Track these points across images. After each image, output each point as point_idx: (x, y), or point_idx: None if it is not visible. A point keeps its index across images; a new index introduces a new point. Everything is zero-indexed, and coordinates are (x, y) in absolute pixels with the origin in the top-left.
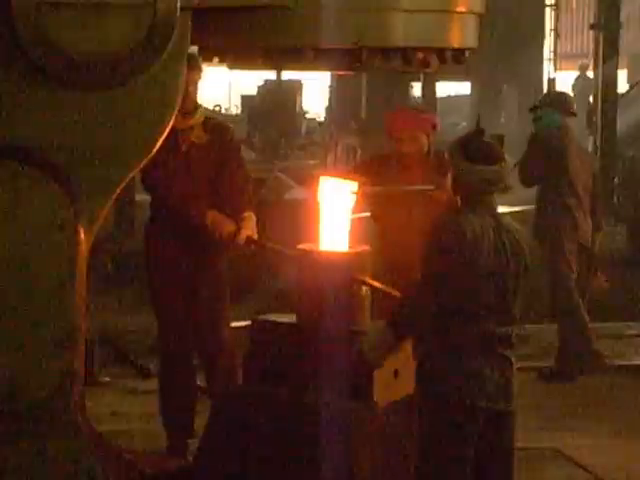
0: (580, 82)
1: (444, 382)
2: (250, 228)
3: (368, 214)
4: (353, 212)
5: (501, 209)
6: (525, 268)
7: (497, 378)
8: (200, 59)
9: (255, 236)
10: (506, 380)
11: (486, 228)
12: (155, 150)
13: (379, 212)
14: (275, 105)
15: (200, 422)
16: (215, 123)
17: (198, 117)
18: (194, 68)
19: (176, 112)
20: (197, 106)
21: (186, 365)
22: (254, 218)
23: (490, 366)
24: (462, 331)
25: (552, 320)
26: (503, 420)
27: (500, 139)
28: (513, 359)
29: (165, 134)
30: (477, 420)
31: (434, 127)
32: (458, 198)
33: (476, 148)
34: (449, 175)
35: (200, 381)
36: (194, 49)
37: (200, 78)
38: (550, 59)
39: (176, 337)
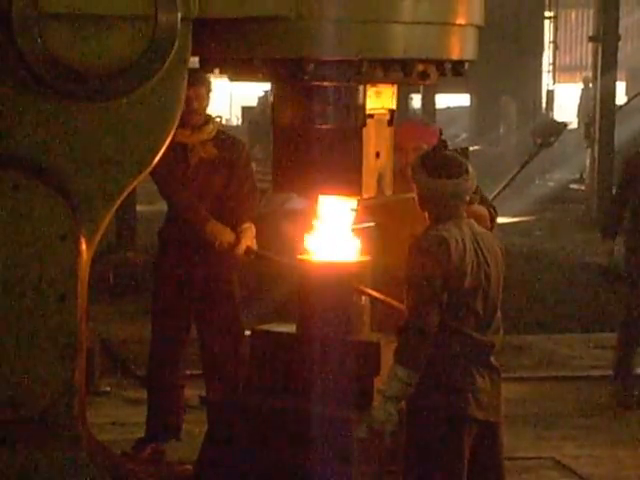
0: (584, 94)
1: (439, 395)
2: (250, 238)
3: (372, 224)
4: (357, 222)
5: (499, 220)
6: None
7: (489, 389)
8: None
9: (254, 246)
10: (496, 390)
11: (466, 239)
12: (163, 160)
13: (383, 222)
14: None
15: (199, 431)
16: (226, 138)
17: (209, 132)
18: (199, 82)
19: (177, 123)
20: (207, 120)
21: (174, 370)
22: (254, 229)
23: (482, 377)
24: (452, 344)
25: (548, 331)
26: (495, 430)
27: (464, 152)
28: (500, 369)
29: (166, 144)
30: (472, 431)
31: (438, 139)
32: (426, 214)
33: (437, 163)
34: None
35: (198, 390)
36: (195, 62)
37: (208, 92)
38: (549, 71)
39: (168, 344)
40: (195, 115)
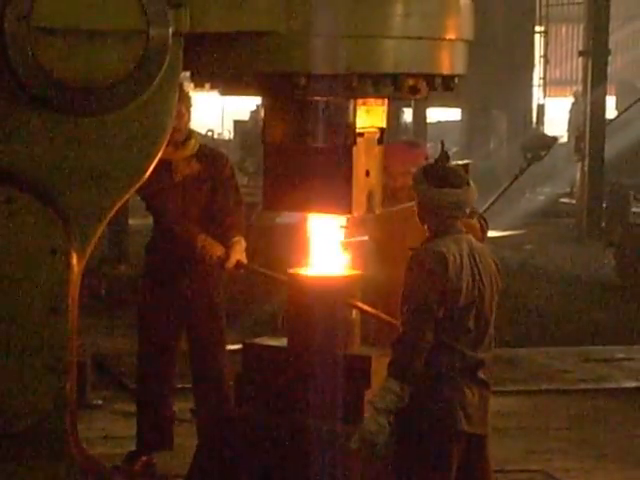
0: (575, 108)
1: (429, 408)
2: (240, 252)
3: (366, 237)
4: (350, 236)
5: (489, 234)
6: (498, 290)
7: (477, 402)
8: (187, 87)
9: (244, 260)
10: (484, 404)
11: (463, 255)
12: (150, 177)
13: (377, 236)
14: None
15: (190, 444)
16: (209, 152)
17: (192, 147)
18: (178, 100)
19: (168, 138)
20: (189, 136)
21: (162, 383)
22: (244, 242)
23: (472, 391)
24: (443, 359)
25: (538, 344)
26: (482, 443)
27: (465, 167)
28: (490, 383)
29: (157, 159)
30: (461, 445)
31: (426, 159)
32: (426, 227)
33: (440, 173)
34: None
35: (189, 403)
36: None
37: (188, 108)
38: (539, 85)
39: (155, 358)
40: (176, 132)
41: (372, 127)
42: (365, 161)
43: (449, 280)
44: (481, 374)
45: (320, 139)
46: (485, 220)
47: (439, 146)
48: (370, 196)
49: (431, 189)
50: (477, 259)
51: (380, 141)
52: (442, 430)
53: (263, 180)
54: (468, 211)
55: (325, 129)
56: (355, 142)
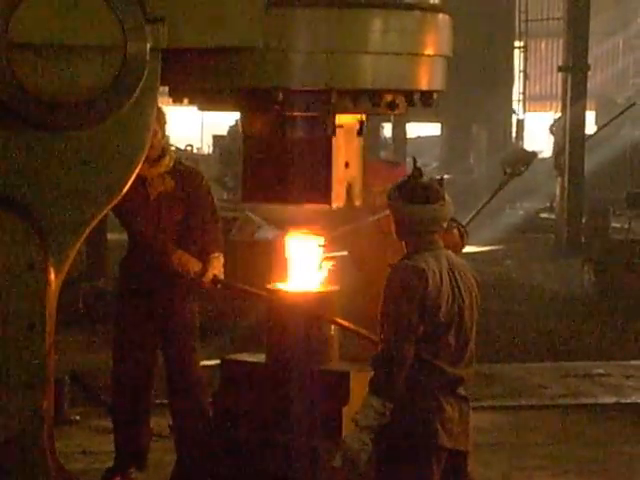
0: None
1: (409, 424)
2: (217, 268)
3: (345, 253)
4: (330, 251)
5: (469, 249)
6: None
7: (458, 418)
8: (161, 103)
9: (222, 276)
10: (465, 420)
11: (443, 271)
12: (125, 193)
13: (357, 251)
14: None
15: (169, 459)
16: (184, 169)
17: (166, 164)
18: None
19: (146, 153)
20: (164, 153)
21: (138, 399)
22: (222, 258)
23: (452, 407)
24: (423, 375)
25: (518, 360)
26: (463, 459)
27: (440, 182)
28: (469, 398)
29: (135, 174)
30: (441, 460)
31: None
32: (404, 244)
33: (414, 189)
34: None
35: (168, 419)
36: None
37: (163, 125)
38: (519, 100)
39: (130, 374)
40: (150, 149)
41: (352, 118)
42: (345, 152)
43: (428, 296)
44: (461, 390)
45: (300, 130)
46: (465, 228)
47: (404, 167)
48: (350, 188)
49: (407, 206)
50: (457, 275)
51: (360, 132)
52: (422, 446)
53: (242, 172)
54: (446, 225)
55: (304, 120)
56: (335, 133)
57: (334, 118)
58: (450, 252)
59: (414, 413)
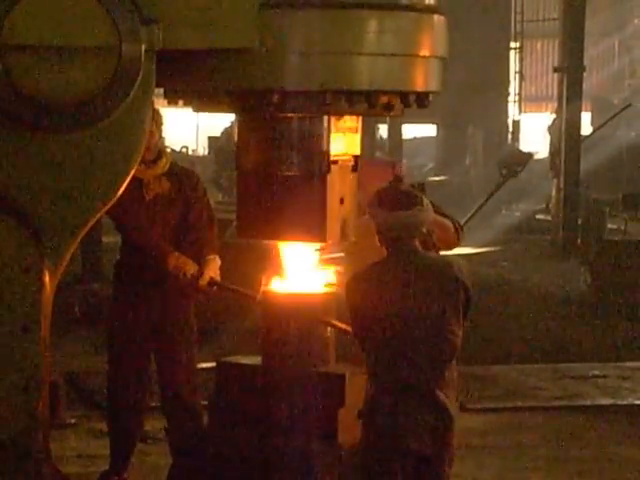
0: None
1: (377, 423)
2: (213, 270)
3: (342, 254)
4: (327, 252)
5: (465, 250)
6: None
7: (432, 422)
8: (158, 104)
9: (218, 278)
10: (442, 424)
11: (399, 277)
12: (120, 195)
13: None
14: None
15: (164, 463)
16: (180, 170)
17: (162, 166)
18: None
19: (141, 155)
20: (160, 155)
21: (133, 401)
22: (218, 260)
23: (420, 409)
24: (386, 376)
25: (513, 361)
26: (434, 463)
27: (421, 187)
28: (447, 402)
29: (130, 176)
30: (406, 462)
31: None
32: (384, 249)
33: (391, 196)
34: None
35: (163, 422)
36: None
37: (159, 126)
38: (515, 101)
39: (125, 377)
40: (146, 150)
41: (346, 154)
42: (339, 189)
43: (364, 305)
44: (437, 392)
45: (294, 166)
46: (459, 223)
47: (400, 166)
48: (344, 224)
49: (383, 212)
50: (421, 283)
51: (354, 169)
52: (382, 447)
53: (237, 207)
54: (425, 229)
55: (299, 156)
56: (329, 169)
57: (329, 155)
58: (427, 255)
59: (381, 413)
